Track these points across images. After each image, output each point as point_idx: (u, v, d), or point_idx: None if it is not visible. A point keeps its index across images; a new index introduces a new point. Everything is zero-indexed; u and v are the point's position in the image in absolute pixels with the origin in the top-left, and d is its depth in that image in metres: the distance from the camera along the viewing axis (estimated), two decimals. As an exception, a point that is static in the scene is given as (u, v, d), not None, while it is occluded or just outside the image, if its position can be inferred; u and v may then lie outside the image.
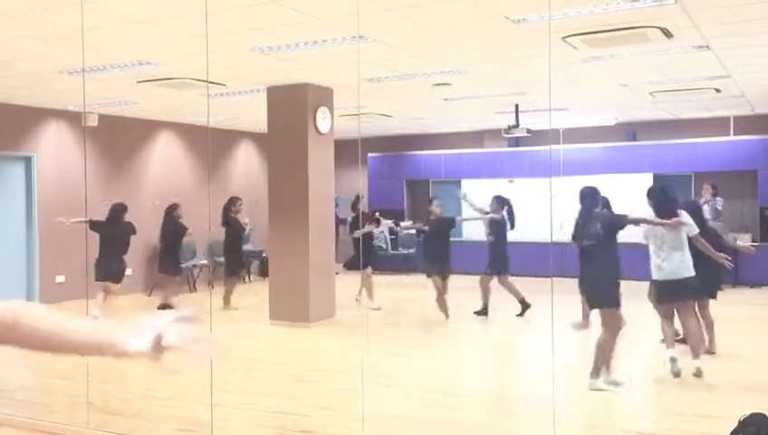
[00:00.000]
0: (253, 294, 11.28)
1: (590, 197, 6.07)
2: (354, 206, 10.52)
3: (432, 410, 5.49)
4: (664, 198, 6.37)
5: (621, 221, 6.08)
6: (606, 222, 5.99)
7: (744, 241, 12.15)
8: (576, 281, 6.29)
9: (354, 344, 7.68)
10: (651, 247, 6.26)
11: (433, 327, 8.74)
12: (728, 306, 9.72)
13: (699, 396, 5.74)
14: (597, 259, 5.91)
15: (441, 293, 8.97)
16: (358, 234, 9.89)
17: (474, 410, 5.61)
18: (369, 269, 10.00)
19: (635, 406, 5.72)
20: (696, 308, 6.66)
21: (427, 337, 8.34)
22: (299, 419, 5.22)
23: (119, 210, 9.60)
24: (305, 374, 6.68)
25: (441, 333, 8.50)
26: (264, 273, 13.49)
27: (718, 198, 11.53)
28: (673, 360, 6.04)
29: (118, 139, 11.92)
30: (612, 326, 5.88)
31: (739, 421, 3.63)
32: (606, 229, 5.88)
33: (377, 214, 11.41)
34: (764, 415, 3.62)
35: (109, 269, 9.15)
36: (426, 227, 9.21)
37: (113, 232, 9.31)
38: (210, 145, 13.40)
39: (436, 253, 9.14)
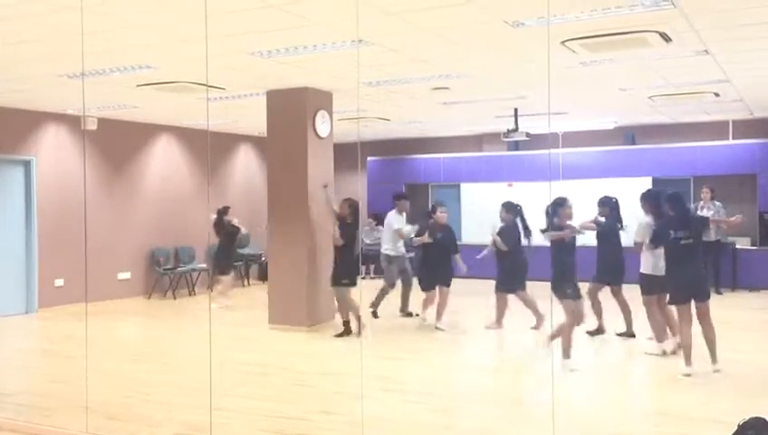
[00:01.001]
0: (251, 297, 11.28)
1: (680, 200, 6.59)
2: (430, 214, 9.35)
3: (432, 415, 5.48)
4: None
5: (707, 222, 7.16)
6: (701, 223, 6.84)
7: (743, 245, 12.20)
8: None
9: (354, 348, 7.68)
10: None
11: (433, 331, 8.73)
12: (728, 310, 9.73)
13: (698, 400, 5.74)
14: (696, 257, 6.48)
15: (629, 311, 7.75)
16: (417, 241, 9.03)
17: (474, 413, 5.60)
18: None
19: (634, 409, 5.72)
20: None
21: (427, 341, 8.32)
22: (298, 423, 5.21)
23: (221, 212, 10.95)
24: (304, 378, 6.68)
25: (441, 337, 8.50)
26: (263, 277, 13.50)
27: (717, 203, 11.55)
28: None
29: (117, 142, 11.93)
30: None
31: (738, 425, 3.63)
32: (702, 229, 6.65)
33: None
34: (764, 419, 3.61)
35: (218, 264, 11.15)
36: (583, 232, 7.41)
37: (220, 231, 10.96)
38: (210, 149, 13.41)
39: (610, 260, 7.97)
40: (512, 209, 8.62)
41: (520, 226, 8.48)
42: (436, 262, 8.96)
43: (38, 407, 5.74)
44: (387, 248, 9.63)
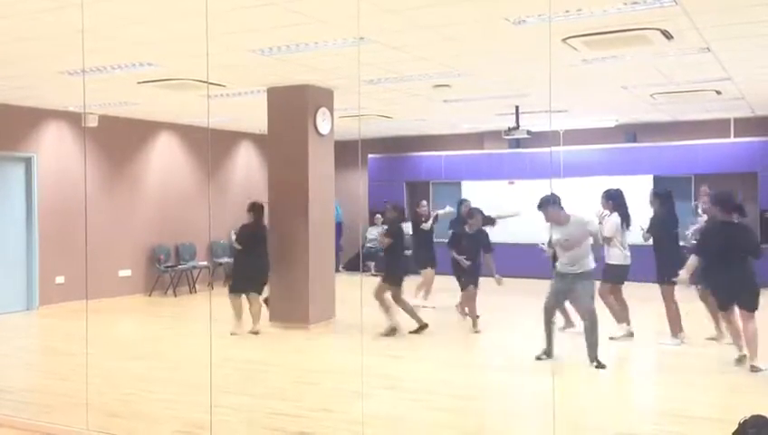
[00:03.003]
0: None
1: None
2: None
3: (433, 413, 5.47)
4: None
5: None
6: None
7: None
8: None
9: (354, 346, 7.67)
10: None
11: (434, 329, 8.73)
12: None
13: (699, 398, 5.73)
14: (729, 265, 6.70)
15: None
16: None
17: (474, 412, 5.60)
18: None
19: (634, 408, 5.71)
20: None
21: (428, 339, 8.32)
22: (298, 420, 5.21)
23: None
24: (305, 376, 6.68)
25: (441, 335, 8.49)
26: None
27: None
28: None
29: (118, 139, 11.92)
30: None
31: (739, 424, 3.62)
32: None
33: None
34: (765, 417, 3.61)
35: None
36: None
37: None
38: (210, 146, 13.40)
39: None
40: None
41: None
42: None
43: (39, 404, 5.74)
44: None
